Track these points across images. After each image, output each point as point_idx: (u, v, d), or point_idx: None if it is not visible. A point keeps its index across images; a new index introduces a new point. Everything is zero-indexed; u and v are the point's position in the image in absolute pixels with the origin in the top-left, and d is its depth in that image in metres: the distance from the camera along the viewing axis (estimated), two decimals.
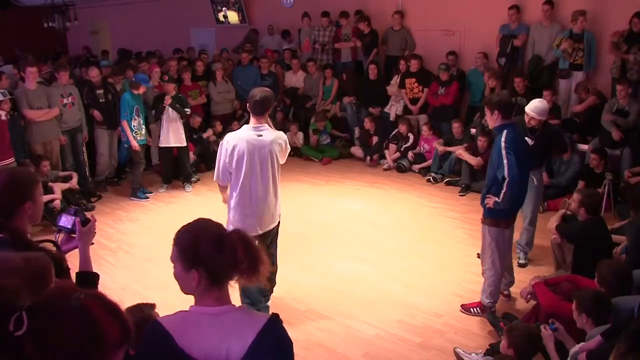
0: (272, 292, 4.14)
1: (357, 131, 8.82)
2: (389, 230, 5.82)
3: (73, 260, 2.26)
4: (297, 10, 9.88)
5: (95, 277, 2.27)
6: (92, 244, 2.34)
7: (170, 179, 7.45)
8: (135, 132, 6.79)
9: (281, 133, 3.94)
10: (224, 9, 11.17)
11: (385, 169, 7.99)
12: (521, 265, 4.87)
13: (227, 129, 8.53)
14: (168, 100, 6.86)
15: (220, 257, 1.58)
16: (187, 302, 1.66)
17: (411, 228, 5.87)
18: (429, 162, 7.67)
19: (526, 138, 4.68)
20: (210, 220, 1.68)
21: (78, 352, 1.17)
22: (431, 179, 7.46)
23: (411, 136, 7.95)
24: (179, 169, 7.49)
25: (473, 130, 7.33)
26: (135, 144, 6.73)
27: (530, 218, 4.84)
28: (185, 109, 7.10)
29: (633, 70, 6.50)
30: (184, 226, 1.66)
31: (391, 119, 8.42)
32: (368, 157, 8.25)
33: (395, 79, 8.47)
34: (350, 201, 6.74)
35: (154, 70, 7.99)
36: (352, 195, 6.97)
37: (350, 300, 4.37)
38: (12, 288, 1.19)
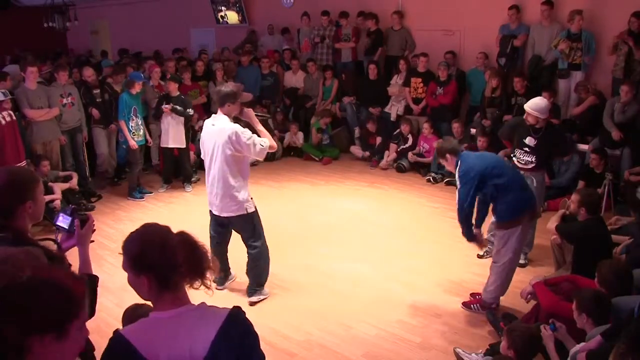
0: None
1: (357, 131, 8.82)
2: (389, 230, 5.82)
3: (74, 260, 2.26)
4: (297, 10, 9.88)
5: (94, 279, 2.27)
6: (92, 241, 2.34)
7: (170, 179, 7.46)
8: (133, 132, 6.78)
9: (236, 126, 3.96)
10: (223, 9, 11.17)
11: (383, 169, 7.99)
12: (521, 266, 4.87)
13: None
14: (167, 109, 6.85)
15: (163, 262, 1.58)
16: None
17: (411, 228, 5.87)
18: (428, 159, 7.68)
19: (529, 137, 4.70)
20: (157, 224, 1.70)
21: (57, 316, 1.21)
22: (431, 179, 7.46)
23: (410, 137, 7.96)
24: (179, 169, 7.50)
25: (473, 130, 7.33)
26: (133, 143, 6.73)
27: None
28: (188, 110, 7.09)
29: (636, 72, 6.49)
30: (130, 233, 1.68)
31: (392, 119, 8.42)
32: (369, 155, 8.24)
33: (396, 79, 8.47)
34: (350, 201, 6.74)
35: (154, 70, 8.00)
36: (352, 195, 6.97)
37: (350, 300, 4.37)
38: None
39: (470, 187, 3.85)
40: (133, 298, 4.42)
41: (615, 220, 5.12)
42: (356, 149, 8.57)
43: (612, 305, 3.04)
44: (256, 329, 1.69)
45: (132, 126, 6.76)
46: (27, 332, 1.18)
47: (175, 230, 1.70)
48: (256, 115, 4.23)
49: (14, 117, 5.46)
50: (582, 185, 5.94)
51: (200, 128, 8.25)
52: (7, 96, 5.80)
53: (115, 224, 6.18)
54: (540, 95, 6.93)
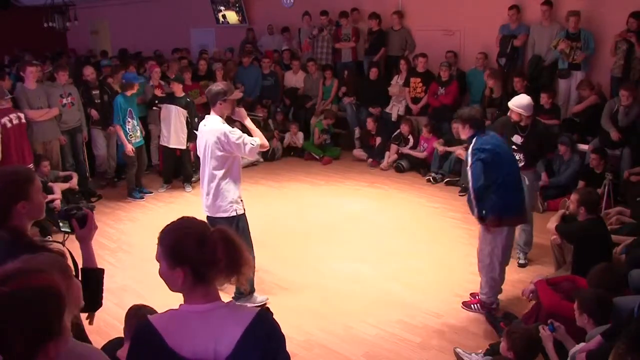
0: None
1: (357, 131, 8.82)
2: (389, 230, 5.82)
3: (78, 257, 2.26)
4: (297, 10, 9.89)
5: (100, 272, 2.28)
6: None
7: (170, 179, 7.45)
8: (130, 134, 6.77)
9: (224, 126, 3.94)
10: (223, 9, 11.17)
11: (383, 170, 7.99)
12: (521, 265, 4.88)
13: None
14: (193, 147, 6.75)
15: (202, 256, 1.59)
16: None
17: (411, 228, 5.87)
18: (423, 154, 7.72)
19: (515, 135, 4.70)
20: (195, 218, 1.69)
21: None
22: (431, 179, 7.46)
23: (411, 138, 7.96)
24: (180, 169, 7.49)
25: None
26: (129, 149, 6.69)
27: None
28: (196, 120, 6.99)
29: (635, 70, 6.50)
30: (168, 225, 1.66)
31: (393, 119, 8.42)
32: (370, 159, 8.25)
33: (396, 79, 8.47)
34: (350, 201, 6.74)
35: (154, 70, 8.00)
36: (352, 195, 6.97)
37: (350, 300, 4.37)
38: None
39: (481, 165, 3.76)
40: (133, 298, 4.43)
41: (616, 220, 5.12)
42: (359, 152, 8.55)
43: (613, 305, 3.04)
44: None
45: (128, 129, 6.73)
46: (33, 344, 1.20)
47: None
48: (248, 114, 4.24)
49: (23, 120, 5.41)
50: (582, 185, 5.94)
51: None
52: (6, 96, 5.79)
53: (115, 224, 6.18)
54: (540, 95, 6.99)
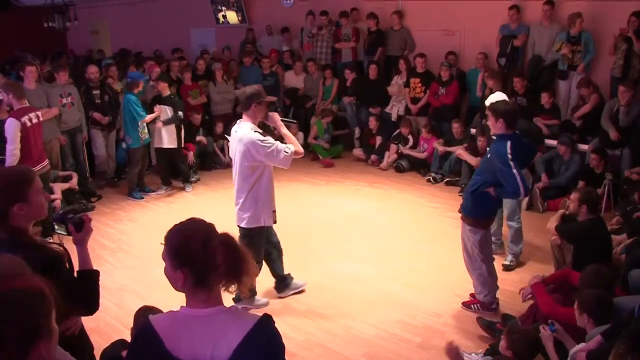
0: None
1: (357, 131, 8.82)
2: (389, 230, 5.82)
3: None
4: (297, 10, 9.89)
5: (95, 274, 2.28)
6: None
7: (169, 181, 7.40)
8: (140, 131, 6.79)
9: (254, 135, 3.73)
10: (224, 8, 11.17)
11: (383, 169, 7.99)
12: (506, 268, 4.84)
13: (228, 129, 8.53)
14: (159, 124, 6.85)
15: (203, 259, 1.58)
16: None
17: (411, 228, 5.87)
18: (424, 155, 7.72)
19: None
20: (202, 221, 1.67)
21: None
22: (431, 179, 7.46)
23: (411, 138, 7.96)
24: (176, 170, 7.48)
25: (473, 130, 7.33)
26: (158, 110, 6.79)
27: (508, 214, 4.86)
28: (178, 113, 7.03)
29: (635, 70, 6.50)
30: (175, 225, 1.66)
31: (393, 119, 8.42)
32: (372, 156, 8.24)
33: (396, 79, 8.47)
34: (350, 201, 6.74)
35: (153, 70, 8.00)
36: (352, 195, 6.97)
37: (350, 300, 4.37)
38: None
39: (519, 169, 3.70)
40: (133, 298, 4.44)
41: (616, 221, 5.12)
42: (359, 152, 8.54)
43: (613, 305, 3.04)
44: None
45: (139, 124, 6.75)
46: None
47: None
48: (282, 120, 4.03)
49: (41, 119, 5.44)
50: (582, 185, 5.94)
51: (200, 127, 8.27)
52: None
53: (115, 224, 6.18)
54: (540, 95, 6.99)
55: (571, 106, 7.14)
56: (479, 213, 3.94)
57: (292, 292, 4.47)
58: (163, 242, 1.64)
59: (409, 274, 4.80)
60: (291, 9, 10.19)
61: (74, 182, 6.46)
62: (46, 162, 5.54)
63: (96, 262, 2.40)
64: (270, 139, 3.78)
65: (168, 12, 12.15)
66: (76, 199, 6.51)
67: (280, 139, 3.98)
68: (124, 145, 7.13)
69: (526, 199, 5.99)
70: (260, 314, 1.63)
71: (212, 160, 8.35)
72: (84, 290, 2.22)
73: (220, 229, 1.68)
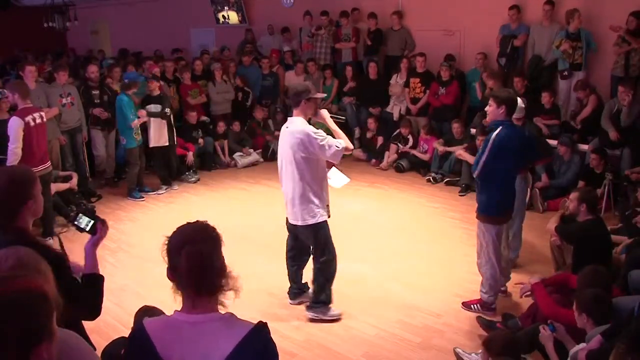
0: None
1: (357, 131, 8.82)
2: (389, 230, 5.82)
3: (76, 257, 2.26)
4: (297, 10, 9.88)
5: (101, 279, 2.29)
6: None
7: (168, 180, 7.40)
8: (135, 132, 6.79)
9: (308, 127, 3.73)
10: (225, 8, 11.17)
11: (384, 169, 7.99)
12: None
13: (228, 129, 8.55)
14: (142, 114, 6.85)
15: (176, 266, 1.57)
16: None
17: (411, 228, 5.87)
18: (427, 156, 7.72)
19: None
20: (199, 224, 1.65)
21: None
22: (431, 179, 7.46)
23: (410, 138, 7.96)
24: (169, 168, 7.47)
25: (473, 130, 7.32)
26: (136, 123, 6.73)
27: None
28: (165, 110, 7.04)
29: (635, 68, 6.50)
30: (179, 226, 1.65)
31: (395, 118, 8.42)
32: (373, 160, 8.23)
33: (395, 78, 8.46)
34: (350, 201, 6.73)
35: (153, 70, 8.00)
36: (352, 195, 6.96)
37: (350, 300, 4.36)
38: None
39: (491, 157, 3.77)
40: (133, 298, 4.44)
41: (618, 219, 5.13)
42: (359, 152, 8.54)
43: (612, 305, 3.04)
44: None
45: (133, 125, 6.76)
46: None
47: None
48: (331, 116, 4.00)
49: (45, 119, 5.45)
50: (582, 185, 5.94)
51: (200, 126, 8.27)
52: (4, 95, 5.78)
53: (115, 224, 6.17)
54: (540, 95, 6.98)
55: (571, 107, 7.13)
56: (485, 209, 3.96)
57: (302, 297, 4.36)
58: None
59: (409, 274, 4.80)
60: (291, 9, 10.19)
61: (74, 182, 6.46)
62: (49, 163, 5.54)
63: None
64: (322, 132, 3.77)
65: (168, 12, 12.15)
66: (76, 199, 6.51)
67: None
68: (123, 145, 7.12)
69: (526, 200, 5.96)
70: (255, 322, 1.61)
71: (212, 160, 8.35)
72: (88, 294, 2.22)
73: (219, 229, 1.68)
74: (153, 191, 7.19)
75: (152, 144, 7.15)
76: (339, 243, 5.44)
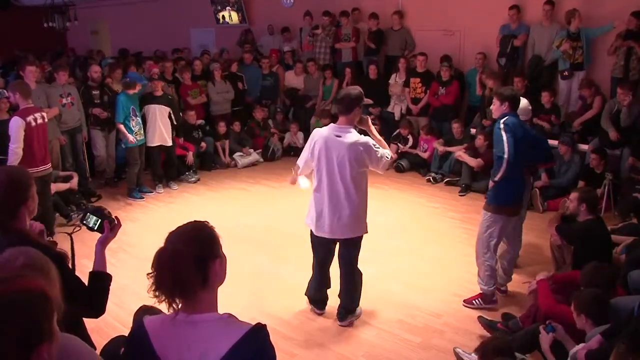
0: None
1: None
2: (388, 230, 5.81)
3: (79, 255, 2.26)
4: (297, 10, 9.89)
5: (108, 277, 2.29)
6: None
7: (161, 178, 7.40)
8: (135, 132, 6.78)
9: (367, 139, 3.63)
10: (226, 8, 11.17)
11: None
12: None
13: (229, 129, 8.55)
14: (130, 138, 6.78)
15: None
16: None
17: (411, 228, 5.87)
18: (426, 154, 7.73)
19: None
20: (193, 224, 1.64)
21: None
22: (431, 179, 7.46)
23: (410, 138, 7.96)
24: (167, 168, 7.47)
25: (473, 130, 7.34)
26: (131, 138, 6.73)
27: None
28: (180, 113, 7.08)
29: (635, 71, 6.50)
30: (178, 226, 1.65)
31: (396, 118, 8.43)
32: None
33: (394, 77, 8.46)
34: None
35: (152, 71, 7.99)
36: None
37: None
38: None
39: (514, 139, 3.74)
40: (133, 298, 4.43)
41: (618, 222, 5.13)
42: None
43: (612, 305, 3.04)
44: None
45: (132, 125, 6.75)
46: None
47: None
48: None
49: (46, 120, 5.46)
50: (582, 185, 5.94)
51: (199, 126, 8.27)
52: (2, 95, 5.78)
53: None
54: (540, 95, 6.98)
55: (571, 107, 7.13)
56: (497, 199, 3.97)
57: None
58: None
59: (409, 274, 4.80)
60: (291, 9, 10.19)
61: (74, 183, 6.44)
62: (49, 164, 5.53)
63: None
64: (375, 143, 3.67)
65: (168, 12, 12.15)
66: (76, 199, 6.51)
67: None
68: (123, 145, 7.13)
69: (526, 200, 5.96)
70: (253, 323, 1.60)
71: (212, 161, 8.35)
72: (93, 291, 2.23)
73: (219, 229, 1.68)
74: (152, 192, 7.19)
75: (149, 144, 7.13)
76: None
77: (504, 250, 4.34)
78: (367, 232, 3.87)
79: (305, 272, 4.84)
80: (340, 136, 3.58)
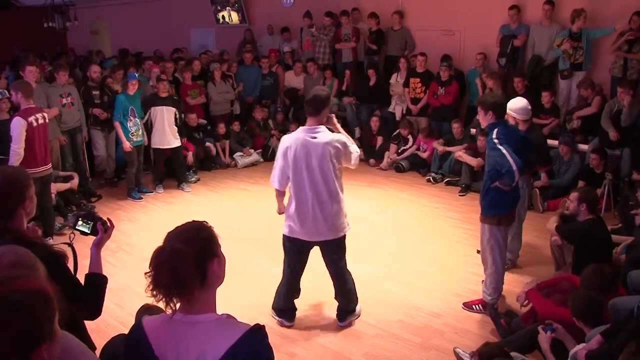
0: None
1: (357, 131, 8.81)
2: (389, 230, 5.81)
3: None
4: (297, 10, 9.88)
5: (104, 279, 2.29)
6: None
7: (162, 178, 7.39)
8: (132, 133, 6.76)
9: (340, 136, 3.70)
10: (227, 8, 11.17)
11: (383, 169, 7.98)
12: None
13: (228, 129, 8.55)
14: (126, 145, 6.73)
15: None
16: None
17: (411, 228, 5.87)
18: (425, 154, 7.73)
19: None
20: (192, 224, 1.63)
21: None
22: (431, 179, 7.46)
23: (410, 138, 7.96)
24: (174, 169, 7.46)
25: (473, 130, 7.33)
26: (127, 145, 6.69)
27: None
28: (182, 115, 7.11)
29: (634, 70, 6.50)
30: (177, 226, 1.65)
31: (397, 118, 8.42)
32: (371, 160, 8.23)
33: (395, 77, 8.46)
34: (350, 201, 6.67)
35: (152, 71, 7.99)
36: (352, 195, 6.92)
37: None
38: None
39: (512, 147, 3.67)
40: (133, 298, 4.43)
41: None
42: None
43: (612, 305, 3.04)
44: None
45: (130, 126, 6.73)
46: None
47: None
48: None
49: (47, 120, 5.45)
50: (582, 185, 5.94)
51: (199, 126, 8.27)
52: (4, 95, 5.78)
53: (115, 224, 6.12)
54: (540, 95, 6.98)
55: (572, 107, 7.12)
56: (490, 210, 3.91)
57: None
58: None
59: (409, 274, 4.80)
60: (291, 9, 10.19)
61: (74, 183, 6.44)
62: (50, 164, 5.53)
63: None
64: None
65: (168, 12, 12.15)
66: (76, 199, 6.51)
67: None
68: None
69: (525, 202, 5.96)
70: (252, 324, 1.59)
71: (212, 161, 8.35)
72: (89, 293, 2.22)
73: (219, 229, 1.67)
74: (151, 192, 7.18)
75: (154, 145, 7.12)
76: None
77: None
78: (346, 232, 3.87)
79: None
80: (315, 137, 3.60)
